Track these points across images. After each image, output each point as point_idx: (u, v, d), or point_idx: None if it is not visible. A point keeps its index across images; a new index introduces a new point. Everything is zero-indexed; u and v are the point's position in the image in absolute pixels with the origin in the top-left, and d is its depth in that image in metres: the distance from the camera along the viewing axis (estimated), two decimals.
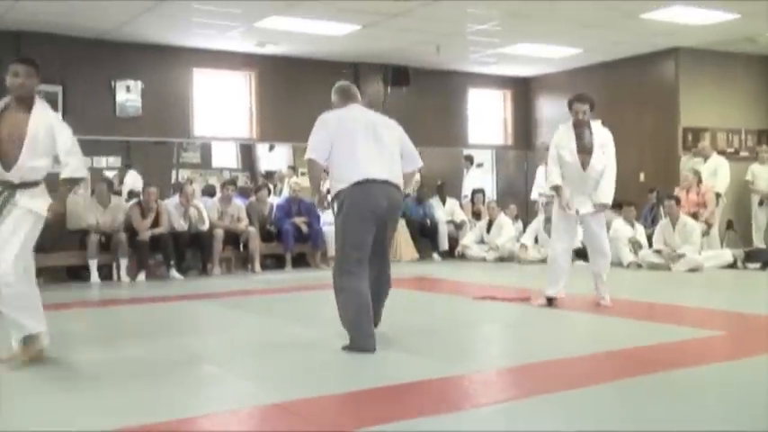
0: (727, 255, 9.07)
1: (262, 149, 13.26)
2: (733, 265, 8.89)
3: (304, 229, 9.97)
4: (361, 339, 4.28)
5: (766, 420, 3.08)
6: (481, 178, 13.24)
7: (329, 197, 4.67)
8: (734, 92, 11.56)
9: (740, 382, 3.70)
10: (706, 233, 9.38)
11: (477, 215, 11.73)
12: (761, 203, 10.54)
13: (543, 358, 4.23)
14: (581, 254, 9.82)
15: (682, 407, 3.22)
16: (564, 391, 3.52)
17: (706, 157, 10.29)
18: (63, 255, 8.93)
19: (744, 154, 11.55)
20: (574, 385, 3.61)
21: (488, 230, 10.87)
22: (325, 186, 4.87)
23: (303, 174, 13.35)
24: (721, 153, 10.65)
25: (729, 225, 10.60)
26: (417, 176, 13.48)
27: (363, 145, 4.44)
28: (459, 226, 11.36)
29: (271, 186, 12.31)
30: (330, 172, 4.57)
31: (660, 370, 3.87)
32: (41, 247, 8.80)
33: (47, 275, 8.76)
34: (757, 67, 11.72)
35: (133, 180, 11.28)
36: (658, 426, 3.00)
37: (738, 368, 3.99)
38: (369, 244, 4.39)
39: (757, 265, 8.73)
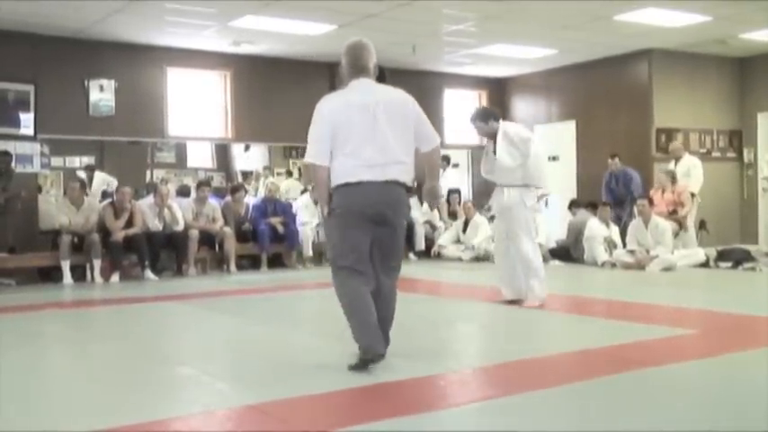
0: (700, 254, 9.17)
1: (237, 149, 13.23)
2: (706, 264, 8.99)
3: (280, 229, 9.93)
4: (365, 348, 3.82)
5: (738, 418, 3.11)
6: (457, 178, 13.29)
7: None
8: (706, 93, 11.70)
9: (713, 380, 3.74)
10: (677, 233, 9.47)
11: (453, 215, 11.77)
12: None
13: (519, 357, 4.24)
14: (556, 253, 9.91)
15: (656, 405, 3.25)
16: (539, 390, 3.53)
17: (678, 158, 10.39)
18: (35, 255, 8.84)
19: (716, 154, 11.70)
20: (549, 384, 3.63)
21: (464, 230, 10.91)
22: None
23: (279, 174, 13.35)
24: (693, 153, 10.77)
25: (702, 225, 10.72)
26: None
27: (358, 138, 3.88)
28: (434, 227, 11.43)
29: (248, 187, 12.30)
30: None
31: (634, 368, 3.90)
32: (13, 248, 8.80)
33: (19, 277, 8.68)
34: (728, 68, 11.87)
35: (102, 181, 11.17)
36: (633, 424, 3.02)
37: (711, 366, 4.03)
38: (363, 248, 3.92)
39: (729, 264, 8.83)
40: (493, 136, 6.15)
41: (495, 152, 6.18)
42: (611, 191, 10.50)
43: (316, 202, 10.41)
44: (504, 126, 6.18)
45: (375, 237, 3.94)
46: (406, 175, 4.01)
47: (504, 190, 6.15)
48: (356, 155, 3.86)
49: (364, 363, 3.79)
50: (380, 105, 3.95)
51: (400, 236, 4.09)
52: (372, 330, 3.83)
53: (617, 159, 10.47)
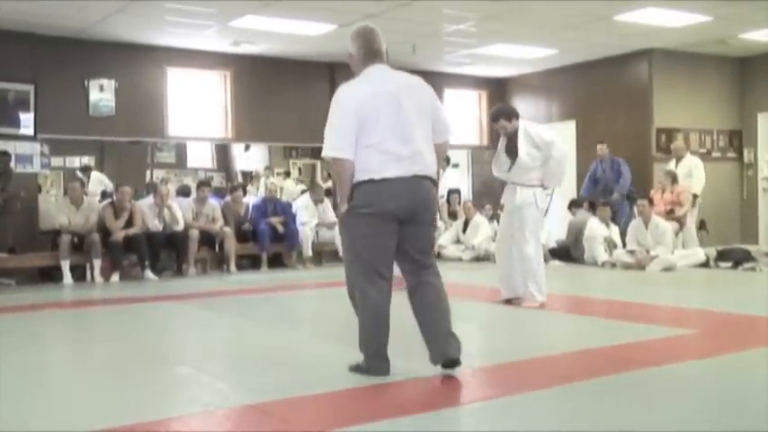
0: (700, 254, 9.17)
1: (237, 149, 13.23)
2: (706, 265, 8.99)
3: (280, 229, 9.93)
4: (369, 360, 3.74)
5: (739, 418, 3.11)
6: (457, 178, 13.28)
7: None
8: (706, 93, 11.70)
9: (713, 380, 3.74)
10: (678, 232, 9.47)
11: (453, 215, 11.77)
12: None
13: (519, 357, 4.25)
14: (556, 253, 9.91)
15: (656, 405, 3.25)
16: (539, 390, 3.53)
17: (679, 158, 10.39)
18: (35, 255, 8.85)
19: (716, 154, 11.69)
20: (549, 384, 3.63)
21: (464, 230, 10.90)
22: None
23: (278, 174, 13.34)
24: (693, 153, 10.78)
25: (702, 225, 10.72)
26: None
27: (384, 129, 3.59)
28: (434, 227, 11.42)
29: (250, 187, 12.33)
30: None
31: (634, 368, 3.90)
32: (13, 248, 8.80)
33: (19, 277, 8.68)
34: (728, 68, 11.86)
35: (98, 182, 11.22)
36: (633, 424, 3.02)
37: (711, 366, 4.03)
38: (389, 252, 3.70)
39: (729, 263, 8.83)
40: (512, 134, 6.11)
41: (506, 150, 6.16)
42: (595, 181, 10.50)
43: (316, 203, 10.43)
44: (524, 125, 6.14)
45: (404, 235, 3.68)
46: (432, 168, 3.72)
47: (516, 189, 6.10)
48: (381, 147, 3.58)
49: (365, 371, 3.74)
50: (403, 92, 3.67)
51: (430, 231, 3.86)
52: (381, 354, 3.71)
53: (605, 145, 10.46)
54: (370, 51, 3.77)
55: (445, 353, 3.63)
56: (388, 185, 3.58)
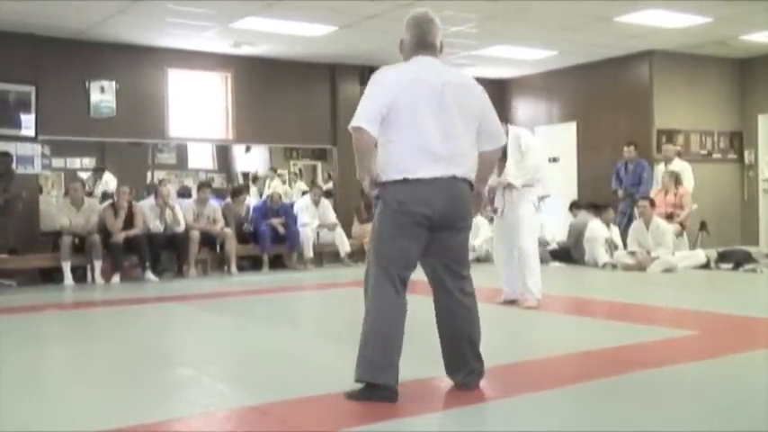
0: (700, 255, 9.16)
1: (238, 150, 13.25)
2: (706, 266, 8.98)
3: (281, 230, 9.94)
4: (365, 369, 3.30)
5: (739, 418, 3.11)
6: None
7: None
8: (706, 94, 11.70)
9: (713, 381, 3.74)
10: (680, 234, 9.47)
11: None
12: None
13: (519, 359, 4.25)
14: (557, 255, 9.91)
15: (657, 406, 3.25)
16: (540, 391, 3.53)
17: (668, 160, 10.37)
18: (36, 257, 8.85)
19: (717, 156, 11.69)
20: (550, 385, 3.63)
21: None
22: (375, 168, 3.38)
23: (279, 175, 13.36)
24: (694, 154, 10.75)
25: (703, 226, 10.71)
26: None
27: (423, 123, 3.32)
28: None
29: (254, 188, 12.34)
30: (378, 151, 3.38)
31: (636, 370, 3.90)
32: (14, 249, 8.80)
33: (20, 278, 8.68)
34: (729, 69, 11.86)
35: (110, 181, 11.32)
36: (634, 425, 3.02)
37: (712, 367, 4.03)
38: (411, 257, 3.39)
39: (730, 265, 8.83)
40: None
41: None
42: (619, 180, 10.53)
43: (316, 204, 10.43)
44: (516, 131, 6.23)
45: (437, 242, 3.40)
46: (472, 173, 3.47)
47: (511, 190, 6.20)
48: (417, 143, 3.30)
49: (363, 393, 3.32)
50: (449, 88, 3.42)
51: (466, 238, 3.55)
52: (382, 359, 3.31)
53: (633, 147, 10.48)
54: (423, 42, 3.59)
55: (468, 381, 3.50)
56: (424, 186, 3.30)
